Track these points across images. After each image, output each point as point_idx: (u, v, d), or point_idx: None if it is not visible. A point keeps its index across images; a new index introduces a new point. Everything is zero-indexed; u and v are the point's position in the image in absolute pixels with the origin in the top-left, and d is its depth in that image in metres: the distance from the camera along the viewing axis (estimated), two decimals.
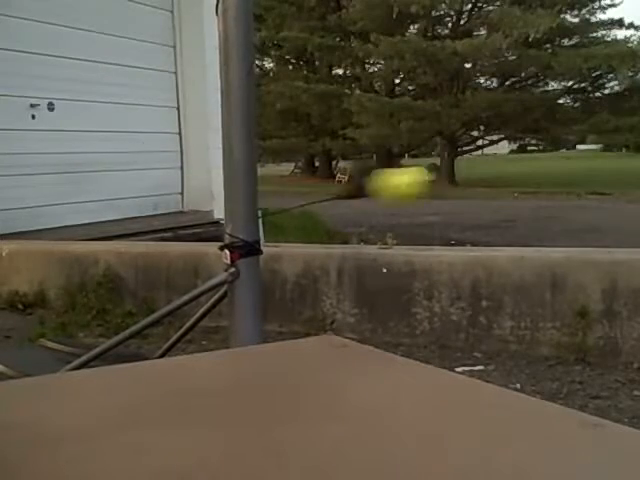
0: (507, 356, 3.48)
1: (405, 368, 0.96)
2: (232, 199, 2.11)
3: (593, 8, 25.58)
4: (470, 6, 25.61)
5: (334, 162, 31.47)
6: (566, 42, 25.03)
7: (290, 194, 18.03)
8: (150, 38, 6.91)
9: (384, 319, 3.83)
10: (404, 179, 1.98)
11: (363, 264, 3.95)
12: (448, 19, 26.58)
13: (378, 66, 27.81)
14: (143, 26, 6.84)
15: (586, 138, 40.59)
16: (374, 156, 29.39)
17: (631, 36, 25.31)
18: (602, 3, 25.49)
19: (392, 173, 2.00)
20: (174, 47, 7.19)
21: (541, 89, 26.39)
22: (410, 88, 27.82)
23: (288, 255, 4.13)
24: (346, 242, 7.55)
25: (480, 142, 28.88)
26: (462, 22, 25.60)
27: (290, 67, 30.11)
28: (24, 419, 0.74)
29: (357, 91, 26.36)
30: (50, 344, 2.70)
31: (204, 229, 6.55)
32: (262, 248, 2.16)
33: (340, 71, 29.81)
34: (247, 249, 2.08)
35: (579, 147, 54.04)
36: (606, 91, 25.49)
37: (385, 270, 3.83)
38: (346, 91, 26.44)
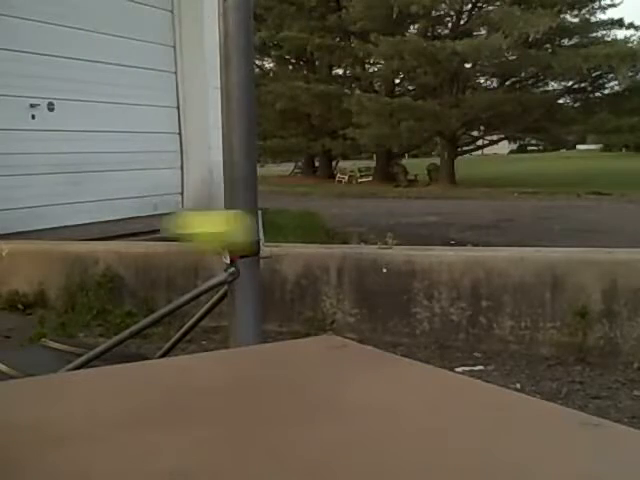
0: (507, 356, 3.48)
1: (405, 368, 0.96)
2: (232, 199, 2.11)
3: (593, 8, 25.55)
4: (470, 6, 25.57)
5: (334, 162, 31.45)
6: (566, 42, 24.99)
7: (290, 194, 18.04)
8: (150, 38, 6.91)
9: (384, 319, 3.84)
10: (210, 226, 1.75)
11: (363, 264, 3.95)
12: (448, 19, 26.54)
13: (378, 66, 27.77)
14: (143, 26, 6.84)
15: (586, 138, 40.60)
16: (374, 156, 29.40)
17: (631, 36, 25.27)
18: (602, 3, 25.45)
19: (200, 217, 1.79)
20: (174, 47, 7.19)
21: (541, 89, 26.36)
22: (410, 88, 27.78)
23: (288, 255, 4.13)
24: (346, 242, 7.55)
25: (480, 142, 28.85)
26: (462, 22, 25.56)
27: (290, 67, 30.08)
28: (26, 419, 0.74)
29: (357, 91, 26.33)
30: (52, 343, 2.70)
31: None
32: (262, 248, 2.16)
33: (340, 71, 29.78)
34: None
35: (579, 147, 54.00)
36: (606, 91, 25.45)
37: (385, 270, 3.83)
38: (346, 91, 26.41)
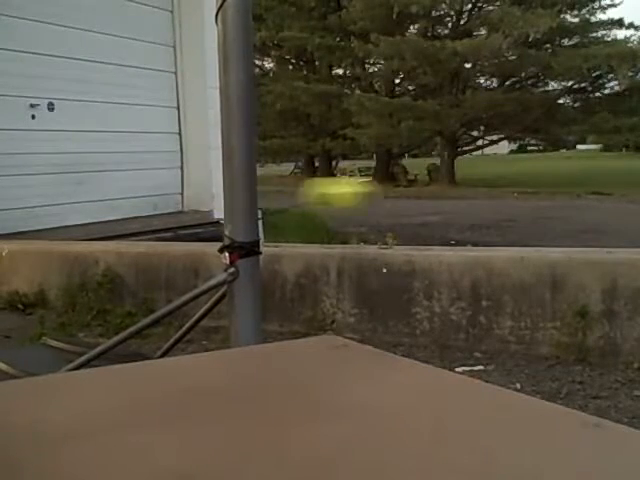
0: (507, 356, 3.48)
1: (405, 368, 0.96)
2: (232, 199, 2.11)
3: (593, 8, 25.56)
4: (470, 6, 25.58)
5: (334, 162, 31.46)
6: (566, 42, 25.00)
7: (290, 194, 18.03)
8: (150, 38, 6.91)
9: (384, 319, 3.84)
10: (340, 188, 2.08)
11: (363, 264, 3.95)
12: (448, 19, 26.54)
13: (378, 66, 27.79)
14: (143, 26, 6.84)
15: (586, 138, 40.59)
16: (374, 156, 29.41)
17: (631, 36, 25.33)
18: (602, 3, 25.47)
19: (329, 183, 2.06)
20: (174, 47, 7.19)
21: (541, 89, 26.37)
22: (410, 88, 27.80)
23: (288, 255, 4.13)
24: (346, 242, 7.55)
25: (480, 142, 28.85)
26: (462, 22, 25.57)
27: (290, 67, 30.08)
28: (26, 419, 0.74)
29: (357, 91, 26.35)
30: (53, 342, 2.70)
31: (204, 229, 6.55)
32: (262, 248, 2.16)
33: (340, 71, 29.80)
34: (246, 250, 2.08)
35: (579, 147, 54.03)
36: (606, 91, 25.47)
37: (385, 270, 3.83)
38: (346, 91, 26.43)
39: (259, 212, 2.20)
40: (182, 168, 7.30)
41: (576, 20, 25.22)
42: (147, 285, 4.43)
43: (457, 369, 3.26)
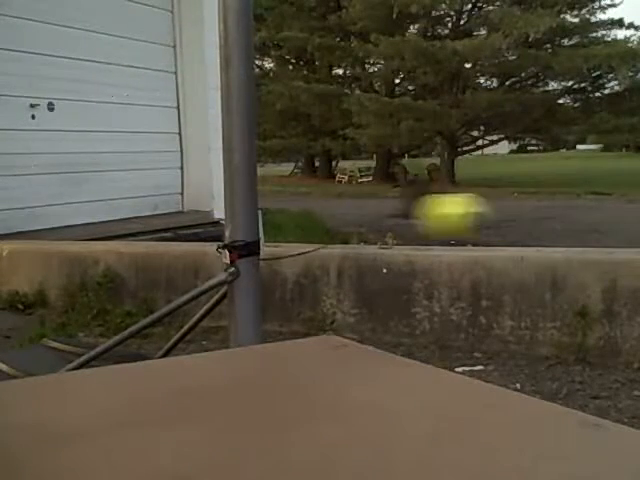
0: (507, 356, 3.48)
1: (405, 368, 0.96)
2: (232, 199, 2.11)
3: (593, 8, 25.56)
4: (470, 6, 25.59)
5: (334, 162, 31.46)
6: (566, 42, 25.00)
7: (290, 194, 18.04)
8: (150, 38, 6.90)
9: (384, 319, 3.84)
10: (455, 210, 1.97)
11: (363, 264, 3.95)
12: (448, 19, 26.55)
13: (378, 66, 27.80)
14: (143, 26, 6.84)
15: (586, 138, 40.58)
16: (374, 156, 29.40)
17: (631, 36, 25.32)
18: (602, 3, 25.47)
19: (443, 202, 1.98)
20: (174, 47, 7.18)
21: (541, 89, 26.37)
22: (410, 88, 27.80)
23: (288, 255, 4.13)
24: (346, 242, 7.54)
25: (480, 142, 28.84)
26: (462, 22, 25.58)
27: (290, 67, 30.08)
28: (26, 419, 0.74)
29: (357, 91, 26.34)
30: (52, 343, 2.71)
31: (204, 229, 6.55)
32: (262, 248, 2.16)
33: (340, 71, 29.81)
34: (247, 249, 2.08)
35: (579, 147, 54.05)
36: (606, 91, 25.47)
37: (385, 270, 3.83)
38: (346, 91, 26.43)
39: (259, 212, 2.20)
40: (182, 168, 7.29)
41: (576, 20, 25.21)
42: (147, 285, 4.43)
43: (457, 369, 3.26)
